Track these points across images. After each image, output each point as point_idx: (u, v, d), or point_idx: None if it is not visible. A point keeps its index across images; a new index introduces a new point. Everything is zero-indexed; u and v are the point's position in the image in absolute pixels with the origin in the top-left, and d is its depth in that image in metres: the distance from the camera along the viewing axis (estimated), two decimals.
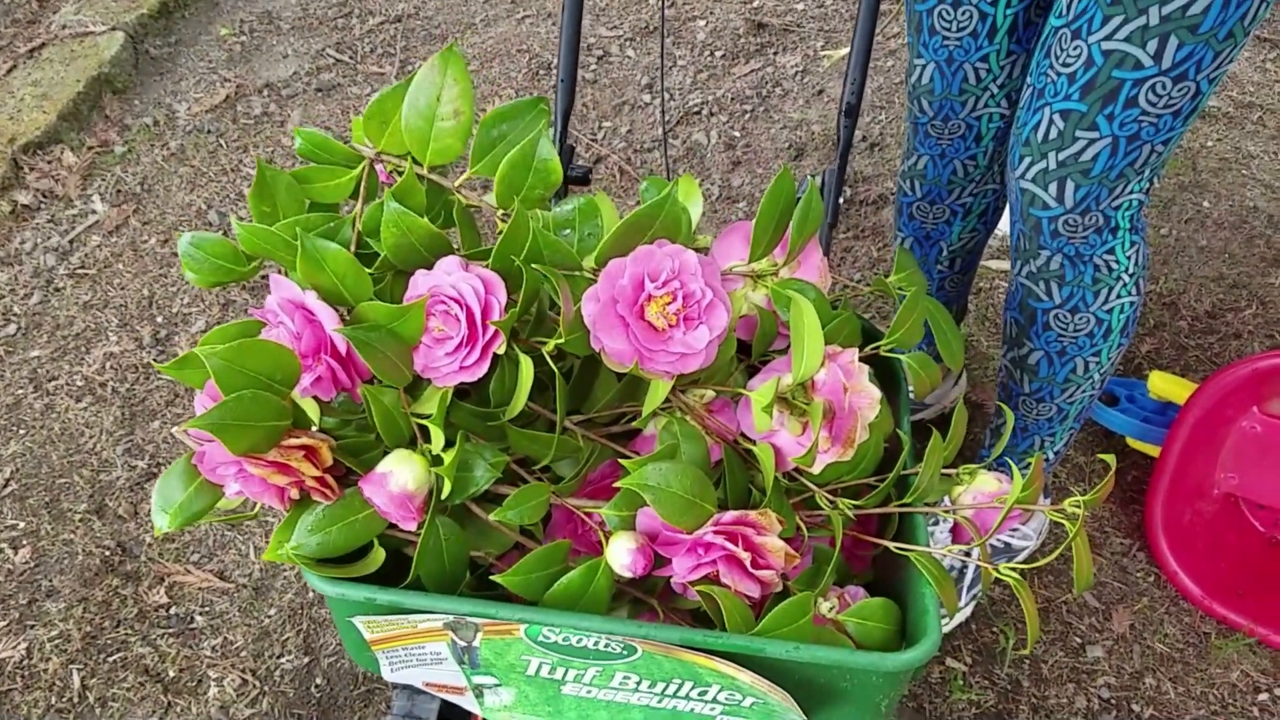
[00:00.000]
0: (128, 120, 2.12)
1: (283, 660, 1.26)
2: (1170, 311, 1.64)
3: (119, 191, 1.96)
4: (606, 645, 0.70)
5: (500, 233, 0.75)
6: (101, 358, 1.65)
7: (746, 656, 0.68)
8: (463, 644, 0.74)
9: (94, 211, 1.93)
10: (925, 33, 1.10)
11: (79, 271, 1.80)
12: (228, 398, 0.68)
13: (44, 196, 1.95)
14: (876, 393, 0.75)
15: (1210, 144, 1.95)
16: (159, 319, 1.71)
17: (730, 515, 0.71)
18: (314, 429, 0.74)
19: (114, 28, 2.29)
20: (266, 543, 0.75)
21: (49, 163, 2.02)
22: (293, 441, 0.71)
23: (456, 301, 0.72)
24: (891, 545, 0.76)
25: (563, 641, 0.71)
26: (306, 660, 1.26)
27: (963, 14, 1.06)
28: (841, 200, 1.07)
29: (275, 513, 1.32)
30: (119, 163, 2.02)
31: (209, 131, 2.08)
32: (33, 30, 2.38)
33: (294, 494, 0.72)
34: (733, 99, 2.09)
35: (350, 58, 2.27)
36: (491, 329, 0.72)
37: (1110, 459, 0.78)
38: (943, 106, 1.15)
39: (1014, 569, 0.71)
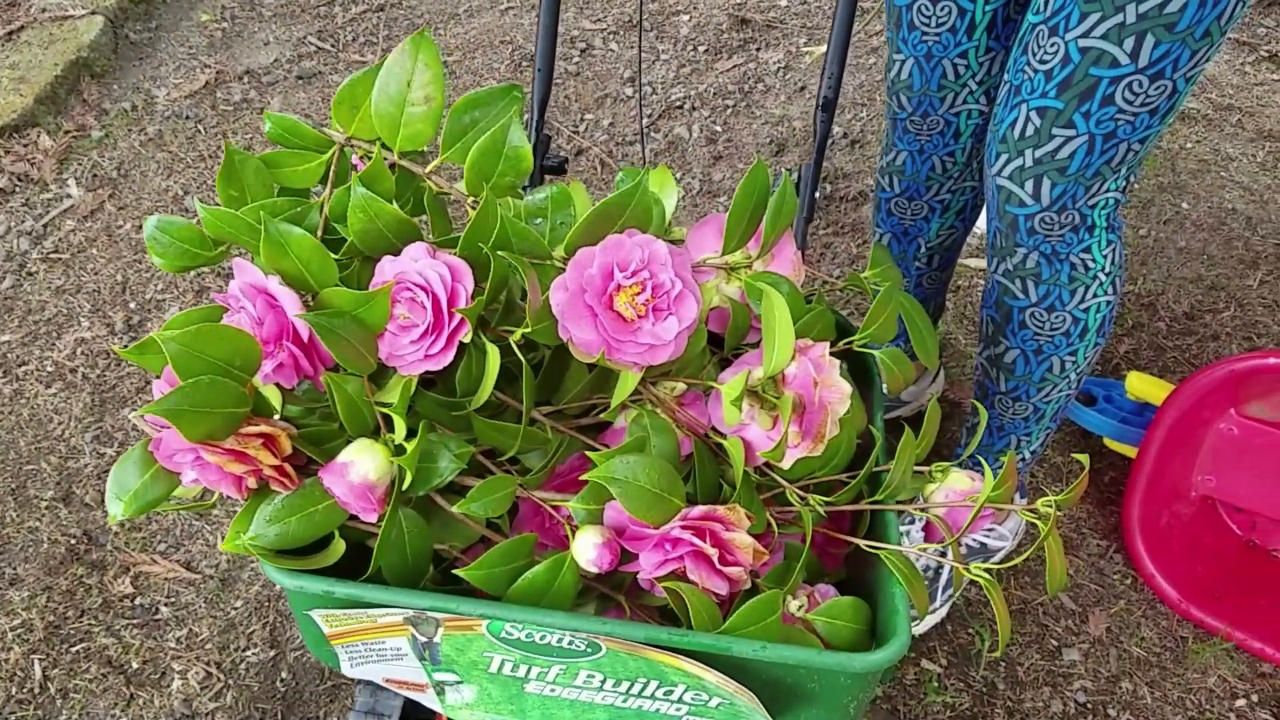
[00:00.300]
0: (105, 105, 2.09)
1: (248, 653, 1.24)
2: (1148, 312, 1.64)
3: (95, 176, 1.93)
4: (570, 642, 0.68)
5: (469, 220, 0.74)
6: (73, 343, 1.62)
7: (713, 655, 0.66)
8: (423, 640, 0.72)
9: (69, 196, 1.90)
10: (904, 28, 1.09)
11: (52, 256, 1.78)
12: (184, 383, 0.66)
13: (19, 180, 1.92)
14: (847, 387, 0.74)
15: (1189, 146, 1.95)
16: (132, 305, 1.69)
17: (698, 510, 0.70)
18: (275, 417, 0.73)
19: (94, 11, 2.25)
20: (240, 511, 0.73)
21: (25, 146, 1.99)
22: (251, 429, 0.69)
23: (422, 288, 0.71)
24: (862, 543, 0.75)
25: (525, 638, 0.69)
26: (272, 654, 1.24)
27: (942, 9, 1.05)
28: (821, 196, 1.06)
29: (239, 503, 1.30)
30: (96, 147, 1.99)
31: (188, 117, 2.06)
32: (11, 13, 2.34)
33: (251, 483, 0.71)
34: (715, 94, 2.07)
35: (332, 46, 2.24)
36: (457, 317, 0.71)
37: (1085, 459, 0.77)
38: (921, 102, 1.14)
39: (986, 569, 0.70)
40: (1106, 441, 1.39)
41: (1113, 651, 1.25)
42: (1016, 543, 1.33)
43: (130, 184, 1.92)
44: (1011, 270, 1.05)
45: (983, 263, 1.71)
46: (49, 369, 1.58)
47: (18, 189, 1.90)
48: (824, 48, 2.16)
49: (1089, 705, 1.20)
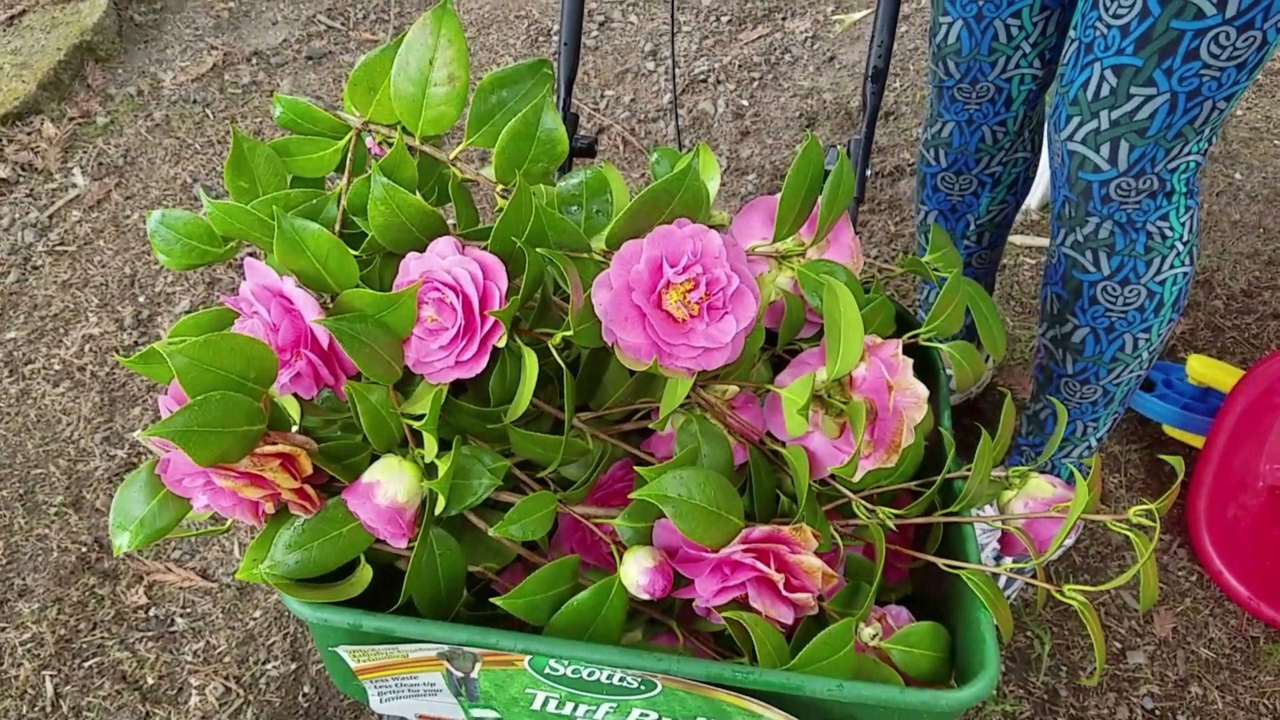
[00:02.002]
0: (110, 90, 2.02)
1: (268, 667, 1.18)
2: (1204, 290, 1.56)
3: (101, 164, 1.86)
4: (621, 679, 0.62)
5: (499, 210, 0.67)
6: (80, 340, 1.57)
7: (782, 695, 0.60)
8: (459, 675, 0.66)
9: (74, 185, 1.83)
10: None
11: (58, 248, 1.72)
12: (193, 401, 0.60)
13: (23, 169, 1.85)
14: (923, 390, 0.67)
15: (1240, 113, 1.86)
16: (141, 299, 1.63)
17: (760, 531, 0.63)
18: (294, 429, 0.66)
19: None
20: (253, 538, 0.67)
21: (28, 134, 1.93)
22: (268, 449, 0.63)
23: (452, 288, 0.64)
24: (941, 562, 0.68)
25: (572, 674, 0.63)
26: (294, 667, 1.18)
27: None
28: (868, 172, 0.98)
29: None
30: (101, 134, 1.92)
31: (195, 101, 1.99)
32: None
33: (269, 508, 0.64)
34: (740, 66, 1.99)
35: (342, 24, 2.17)
36: (490, 319, 0.64)
37: (1177, 462, 0.70)
38: (970, 68, 1.06)
39: (1081, 590, 0.64)
40: (1166, 429, 1.31)
41: (1180, 653, 1.18)
42: (1075, 538, 1.26)
43: (137, 172, 1.85)
44: (1082, 242, 0.98)
45: (1030, 239, 1.63)
46: (56, 367, 1.53)
47: (21, 179, 1.84)
48: (854, 15, 2.07)
49: (1157, 711, 1.14)
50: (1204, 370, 1.29)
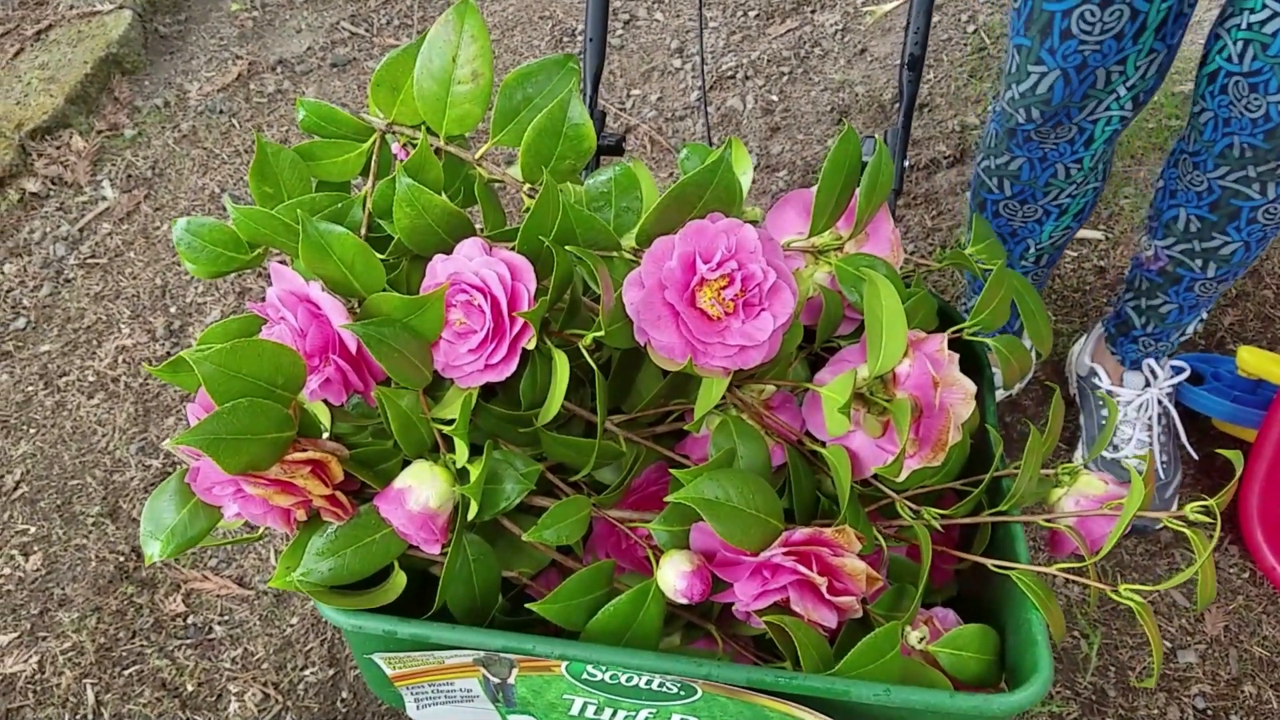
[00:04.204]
0: (137, 102, 2.04)
1: (306, 672, 1.18)
2: (1253, 280, 1.51)
3: (130, 176, 1.88)
4: (661, 685, 0.61)
5: (526, 210, 0.65)
6: (114, 351, 1.58)
7: (826, 700, 0.58)
8: (496, 681, 0.65)
9: (104, 198, 1.85)
10: (1055, 37, 0.94)
11: (89, 261, 1.73)
12: (221, 408, 0.59)
13: (53, 183, 1.87)
14: (971, 386, 0.65)
15: None
16: (172, 309, 1.64)
17: (801, 533, 0.61)
18: (324, 436, 0.66)
19: (122, 6, 2.20)
20: (287, 545, 0.66)
21: (57, 148, 1.94)
22: (298, 456, 0.62)
23: (480, 290, 0.63)
24: (990, 563, 0.66)
25: (610, 680, 0.61)
26: (331, 672, 1.18)
27: (1111, 14, 0.90)
28: (906, 163, 0.96)
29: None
30: (129, 146, 1.94)
31: (221, 111, 2.00)
32: (40, 12, 2.30)
33: (300, 515, 0.63)
34: (769, 61, 1.97)
35: (366, 30, 2.17)
36: (520, 321, 0.63)
37: (1235, 457, 0.67)
38: (1057, 114, 1.00)
39: (1137, 590, 0.61)
40: (1216, 423, 1.27)
41: (1232, 652, 1.14)
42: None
43: (166, 183, 1.86)
44: (1254, 177, 0.98)
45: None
46: (90, 379, 1.54)
47: (52, 193, 1.85)
48: (886, 6, 2.04)
49: (1209, 711, 1.10)
50: (1255, 362, 1.25)
